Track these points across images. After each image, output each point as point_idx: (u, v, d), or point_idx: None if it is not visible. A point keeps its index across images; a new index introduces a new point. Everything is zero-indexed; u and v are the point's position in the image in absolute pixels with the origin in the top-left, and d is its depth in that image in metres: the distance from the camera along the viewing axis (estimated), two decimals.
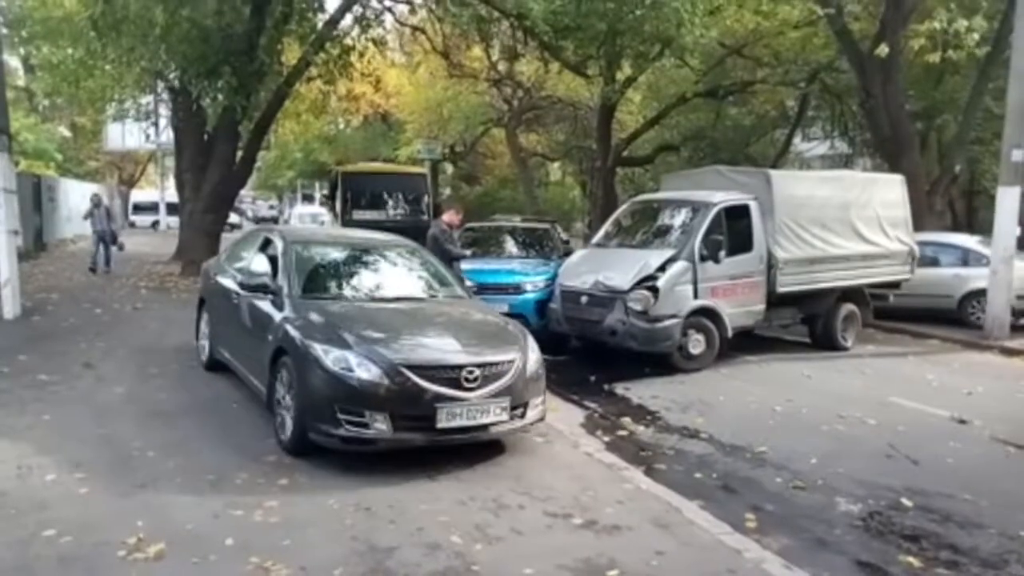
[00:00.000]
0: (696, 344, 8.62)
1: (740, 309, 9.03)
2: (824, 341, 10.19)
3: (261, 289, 5.74)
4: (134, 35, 11.95)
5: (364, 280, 6.22)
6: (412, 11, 17.03)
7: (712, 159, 26.17)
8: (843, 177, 11.64)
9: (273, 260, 6.10)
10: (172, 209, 35.17)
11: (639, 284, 8.39)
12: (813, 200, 9.79)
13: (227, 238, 17.49)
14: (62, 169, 28.42)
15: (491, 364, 4.96)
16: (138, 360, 7.60)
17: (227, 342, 6.69)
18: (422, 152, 34.81)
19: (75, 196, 24.89)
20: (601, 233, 10.18)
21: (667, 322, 8.37)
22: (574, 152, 35.15)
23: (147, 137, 22.19)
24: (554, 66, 19.08)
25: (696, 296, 8.62)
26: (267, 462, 4.87)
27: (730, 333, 8.88)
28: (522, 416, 5.11)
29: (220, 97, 13.29)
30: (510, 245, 11.37)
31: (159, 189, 37.32)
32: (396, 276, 6.42)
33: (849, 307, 10.28)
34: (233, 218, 35.88)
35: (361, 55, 15.52)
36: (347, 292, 5.95)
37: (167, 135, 22.54)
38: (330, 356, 4.79)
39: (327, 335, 4.98)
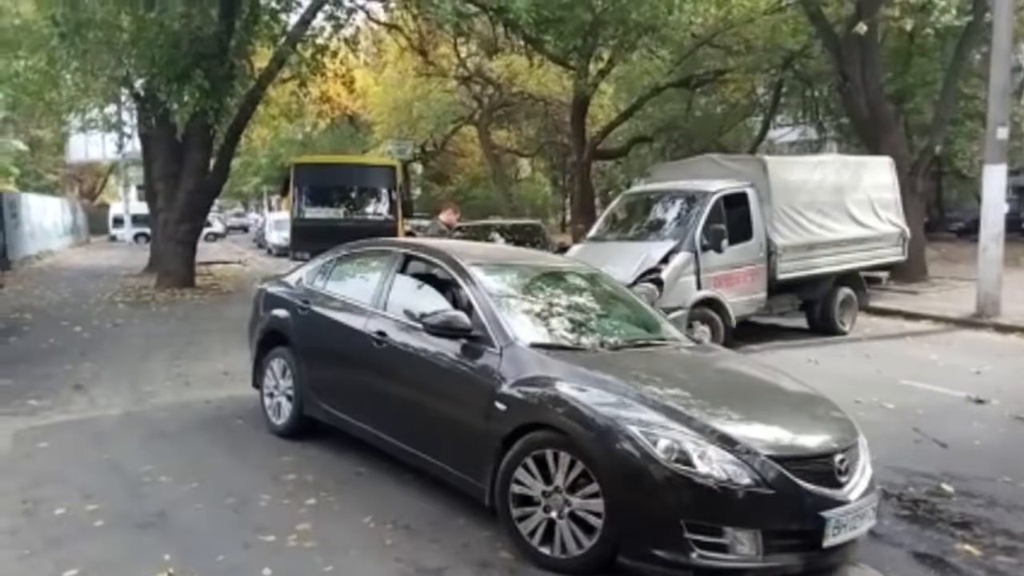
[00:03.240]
0: (702, 335, 8.50)
1: (743, 298, 8.96)
2: (822, 326, 10.19)
3: (459, 333, 4.11)
4: (99, 40, 11.50)
5: (577, 320, 4.62)
6: (386, 8, 16.70)
7: (686, 149, 26.30)
8: (834, 161, 11.67)
9: (443, 290, 4.72)
10: (137, 221, 34.39)
11: (643, 277, 8.26)
12: (808, 185, 9.78)
13: (206, 248, 17.13)
14: (21, 184, 27.54)
15: (851, 448, 3.65)
16: (129, 379, 7.26)
17: (350, 401, 4.92)
18: (392, 152, 34.48)
19: (37, 211, 24.13)
20: (597, 227, 10.05)
21: (673, 314, 8.21)
22: (546, 148, 35.08)
23: (119, 147, 21.43)
24: (525, 61, 18.95)
25: (699, 287, 8.53)
26: (288, 481, 4.61)
27: (734, 323, 8.80)
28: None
29: (191, 102, 12.86)
30: (501, 244, 11.19)
31: (123, 201, 36.34)
32: (606, 313, 4.86)
33: (846, 291, 10.29)
34: (216, 226, 35.09)
35: (334, 55, 15.19)
36: (573, 337, 4.33)
37: (131, 145, 21.90)
38: (660, 444, 3.28)
39: (620, 407, 3.46)
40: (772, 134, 29.39)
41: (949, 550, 4.01)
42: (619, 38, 11.82)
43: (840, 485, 3.45)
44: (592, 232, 10.10)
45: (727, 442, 3.33)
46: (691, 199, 9.05)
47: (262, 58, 15.31)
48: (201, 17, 12.25)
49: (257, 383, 5.79)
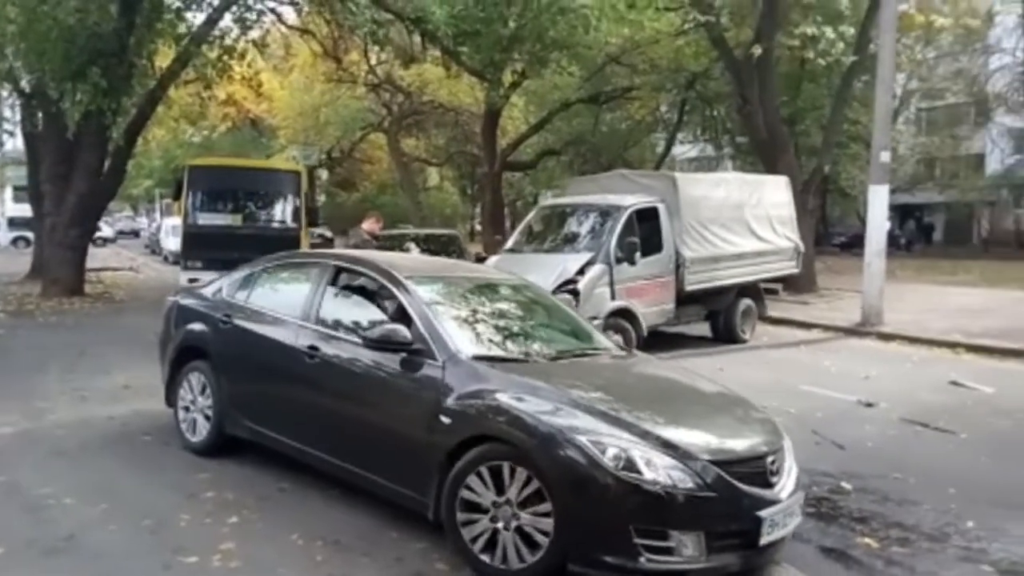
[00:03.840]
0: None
1: (654, 308, 9.30)
2: (725, 335, 10.69)
3: (399, 347, 4.02)
4: None
5: (515, 331, 4.61)
6: (298, 13, 16.32)
7: (593, 163, 27.04)
8: (736, 179, 12.29)
9: (378, 302, 4.64)
10: (14, 224, 32.03)
11: (560, 288, 8.43)
12: (713, 201, 10.27)
13: (95, 254, 16.17)
14: None
15: (779, 449, 3.80)
16: (20, 394, 6.75)
17: (277, 417, 4.76)
18: (298, 158, 33.61)
19: None
20: (514, 239, 10.19)
21: None
22: (455, 157, 35.15)
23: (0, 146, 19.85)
24: (436, 71, 18.93)
25: (613, 298, 8.79)
26: (207, 499, 4.43)
27: (645, 332, 9.11)
28: None
29: (85, 101, 12.16)
30: (416, 254, 11.11)
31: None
32: (540, 324, 4.86)
33: (747, 302, 10.84)
34: (106, 231, 33.01)
35: (242, 57, 14.72)
36: (513, 349, 4.33)
37: (12, 143, 20.42)
38: (608, 452, 3.33)
39: (565, 417, 3.50)
40: (674, 150, 30.64)
41: (851, 544, 4.30)
42: (534, 54, 12.07)
43: (772, 485, 3.60)
44: (509, 244, 10.24)
45: (669, 448, 3.42)
46: (605, 213, 9.33)
47: (164, 57, 14.65)
48: (99, 12, 11.64)
49: (171, 401, 5.52)
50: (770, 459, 3.66)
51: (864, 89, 18.22)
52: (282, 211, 13.58)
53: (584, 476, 3.33)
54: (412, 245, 11.12)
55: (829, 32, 11.70)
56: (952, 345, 10.42)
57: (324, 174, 41.22)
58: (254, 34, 15.28)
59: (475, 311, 4.66)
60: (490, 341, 4.34)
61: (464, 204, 46.23)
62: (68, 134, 13.92)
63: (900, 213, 34.83)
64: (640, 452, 3.36)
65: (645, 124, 27.23)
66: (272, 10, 15.87)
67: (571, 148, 26.53)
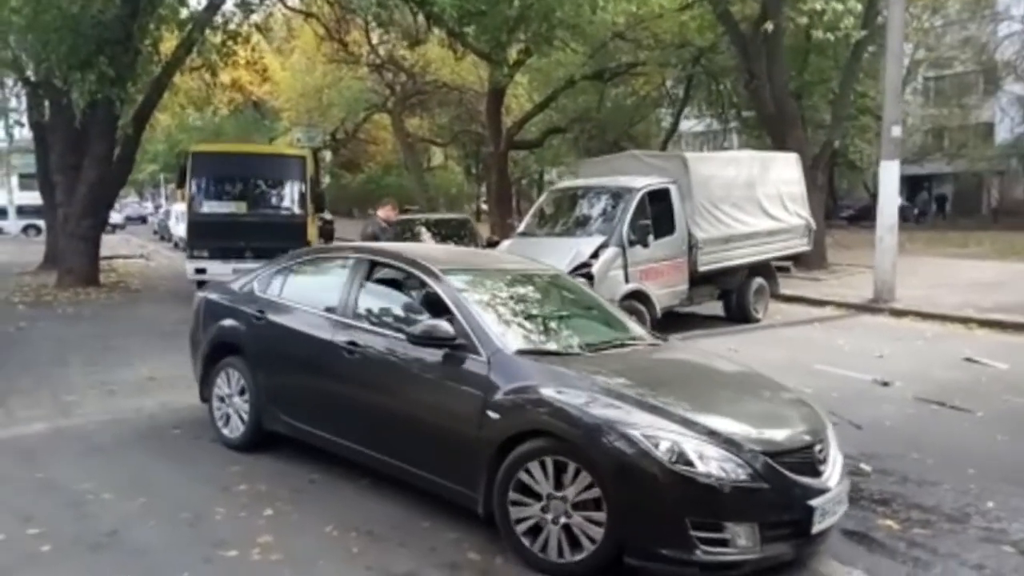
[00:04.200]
0: None
1: (667, 290, 9.34)
2: (738, 314, 10.74)
3: (442, 342, 4.03)
4: None
5: (553, 323, 4.61)
6: None
7: (599, 140, 26.92)
8: (746, 157, 12.25)
9: (415, 296, 4.71)
10: (23, 212, 32.10)
11: (574, 272, 8.45)
12: (724, 181, 10.26)
13: (106, 241, 16.23)
14: None
15: (825, 437, 3.86)
16: (48, 389, 6.88)
17: (317, 413, 4.77)
18: (301, 140, 33.45)
19: None
20: (526, 222, 10.22)
21: None
22: (460, 136, 35.01)
23: (9, 137, 19.79)
24: (439, 50, 18.73)
25: (627, 280, 8.83)
26: (240, 492, 4.53)
27: (659, 314, 9.16)
28: None
29: (93, 90, 12.16)
30: (428, 237, 11.15)
31: (7, 191, 33.81)
32: (576, 315, 4.89)
33: (759, 281, 10.87)
34: (115, 217, 32.91)
35: (246, 41, 14.67)
36: (555, 341, 4.36)
37: (20, 133, 20.42)
38: (661, 446, 3.36)
39: (615, 410, 3.52)
40: (680, 126, 30.46)
41: (872, 526, 4.37)
42: (540, 33, 11.97)
43: (820, 474, 3.64)
44: (521, 227, 10.27)
45: (722, 440, 3.45)
46: (617, 195, 9.34)
47: (169, 43, 14.60)
48: (102, 0, 11.58)
49: (205, 396, 5.53)
50: (818, 448, 3.71)
51: (872, 60, 18.05)
52: (288, 197, 13.32)
53: (637, 469, 3.36)
54: (423, 230, 11.12)
55: (837, 5, 11.56)
56: (965, 320, 10.45)
57: (328, 155, 41.15)
58: (256, 17, 15.19)
59: (513, 304, 4.64)
60: (531, 334, 4.33)
61: (470, 183, 46.13)
62: (76, 123, 13.94)
63: (909, 185, 34.59)
64: (692, 444, 3.39)
65: (651, 99, 27.05)
66: None
67: (576, 125, 26.39)
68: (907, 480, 5.02)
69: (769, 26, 12.62)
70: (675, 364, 4.67)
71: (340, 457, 4.70)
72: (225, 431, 5.32)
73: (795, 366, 7.98)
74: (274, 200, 13.41)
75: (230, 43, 14.19)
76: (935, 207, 38.10)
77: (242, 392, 5.20)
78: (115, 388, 6.92)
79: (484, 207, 38.37)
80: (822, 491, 3.58)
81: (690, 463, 3.33)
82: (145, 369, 7.60)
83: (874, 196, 13.24)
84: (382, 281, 4.90)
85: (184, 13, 14.00)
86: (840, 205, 36.29)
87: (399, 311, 4.61)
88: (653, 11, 17.08)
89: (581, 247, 8.74)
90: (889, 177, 11.53)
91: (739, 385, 4.39)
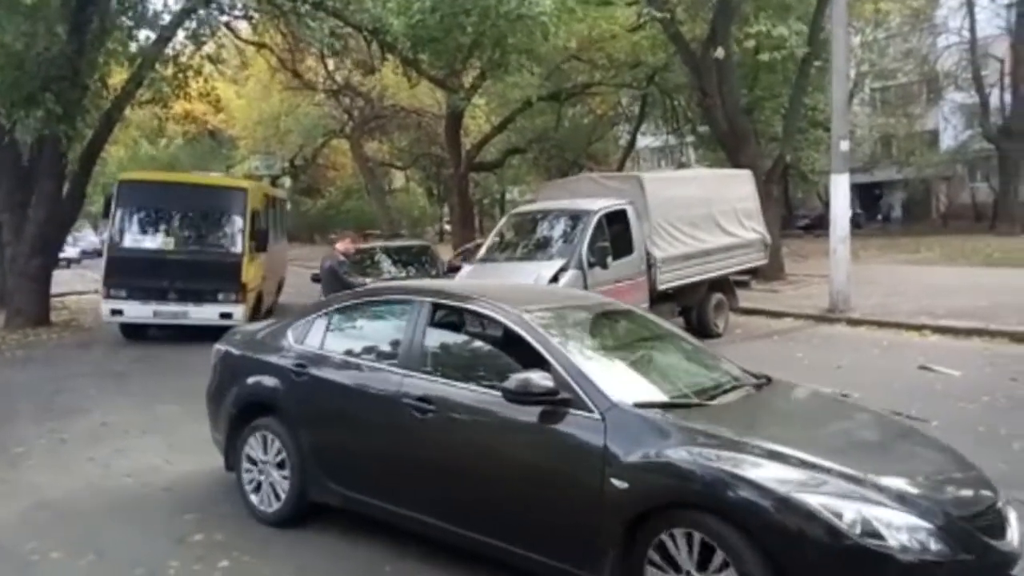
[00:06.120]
0: None
1: None
2: (699, 330, 10.80)
3: (541, 399, 3.37)
4: None
5: (653, 368, 4.01)
6: (253, 27, 16.08)
7: (559, 159, 27.18)
8: (701, 175, 12.43)
9: (494, 343, 4.10)
10: None
11: None
12: (680, 200, 10.40)
13: (56, 276, 15.77)
14: None
15: (998, 492, 3.25)
16: None
17: (380, 482, 4.11)
18: (260, 168, 33.17)
19: None
20: (486, 248, 10.21)
21: None
22: (420, 159, 35.03)
23: None
24: (394, 76, 18.76)
25: None
26: (195, 542, 4.40)
27: None
28: None
29: (39, 128, 11.91)
30: (388, 265, 11.11)
31: None
32: (667, 355, 4.24)
33: (718, 296, 11.00)
34: (70, 251, 31.72)
35: (198, 73, 14.51)
36: (668, 390, 3.67)
37: None
38: (845, 517, 2.73)
39: (781, 474, 2.89)
40: (638, 142, 30.90)
41: None
42: (495, 59, 12.08)
43: (1005, 535, 3.04)
44: (481, 253, 10.25)
45: (907, 503, 2.85)
46: (575, 218, 9.39)
47: (118, 76, 14.38)
48: (48, 36, 11.37)
49: (231, 464, 4.86)
50: (999, 504, 3.14)
51: (819, 75, 18.54)
52: (223, 233, 11.99)
53: (822, 547, 2.73)
54: (383, 258, 11.06)
55: (781, 29, 11.90)
56: (919, 328, 10.69)
57: (287, 182, 40.82)
58: (207, 49, 15.02)
59: (605, 346, 4.06)
60: (641, 383, 3.69)
61: (432, 205, 46.12)
62: (23, 161, 13.62)
63: (859, 193, 35.54)
64: (875, 512, 2.77)
65: (608, 118, 27.42)
66: (226, 25, 15.64)
67: (536, 145, 26.61)
68: None
69: (720, 53, 12.92)
70: (810, 412, 4.05)
71: (449, 543, 3.91)
72: (261, 506, 4.62)
73: None
74: (208, 236, 12.07)
75: (181, 76, 14.01)
76: (890, 211, 39.45)
77: (279, 461, 4.54)
78: (66, 437, 6.68)
79: (448, 228, 38.35)
80: (1015, 556, 2.99)
81: (878, 536, 2.72)
82: (98, 413, 7.38)
83: (827, 205, 13.58)
84: (450, 326, 4.40)
85: (133, 47, 13.85)
86: (795, 215, 37.19)
87: (477, 362, 4.09)
88: (606, 33, 17.40)
89: (542, 271, 8.76)
90: (839, 190, 11.80)
91: (892, 432, 3.75)
